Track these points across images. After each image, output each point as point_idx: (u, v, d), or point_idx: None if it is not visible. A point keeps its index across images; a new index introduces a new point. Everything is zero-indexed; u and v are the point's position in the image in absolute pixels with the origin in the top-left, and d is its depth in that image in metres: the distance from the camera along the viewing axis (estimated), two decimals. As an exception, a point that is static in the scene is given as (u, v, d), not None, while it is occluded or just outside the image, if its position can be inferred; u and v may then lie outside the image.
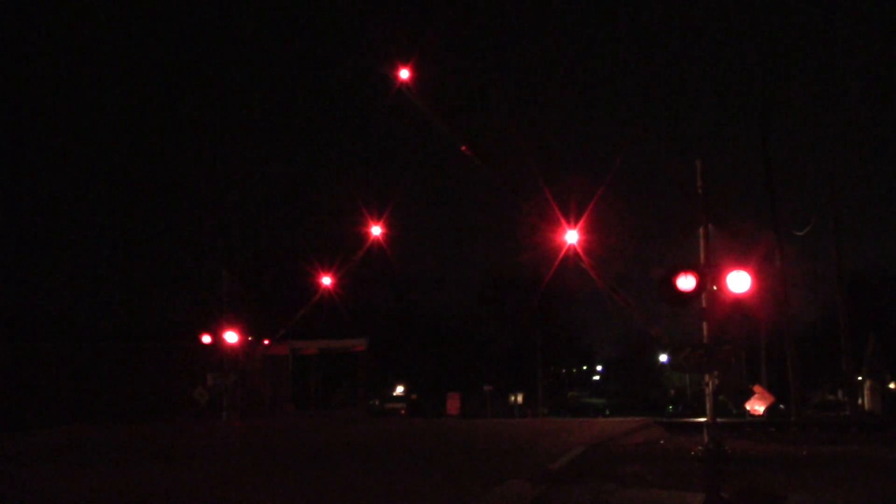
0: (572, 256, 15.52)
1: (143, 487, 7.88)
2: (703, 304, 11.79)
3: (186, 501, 7.03)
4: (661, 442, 15.57)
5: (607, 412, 66.79)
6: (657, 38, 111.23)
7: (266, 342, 30.05)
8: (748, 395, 19.35)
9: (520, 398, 67.70)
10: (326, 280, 28.02)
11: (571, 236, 15.44)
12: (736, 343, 11.72)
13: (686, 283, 11.86)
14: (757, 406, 23.98)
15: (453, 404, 43.20)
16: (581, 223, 15.58)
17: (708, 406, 11.73)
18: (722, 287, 11.60)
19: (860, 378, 31.62)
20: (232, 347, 25.59)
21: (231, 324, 25.67)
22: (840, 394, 43.31)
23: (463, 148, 15.39)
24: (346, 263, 28.09)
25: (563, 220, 15.52)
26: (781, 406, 31.97)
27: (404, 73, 16.15)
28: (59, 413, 26.53)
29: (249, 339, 29.74)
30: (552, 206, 15.56)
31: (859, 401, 30.30)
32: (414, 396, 66.79)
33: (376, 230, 24.09)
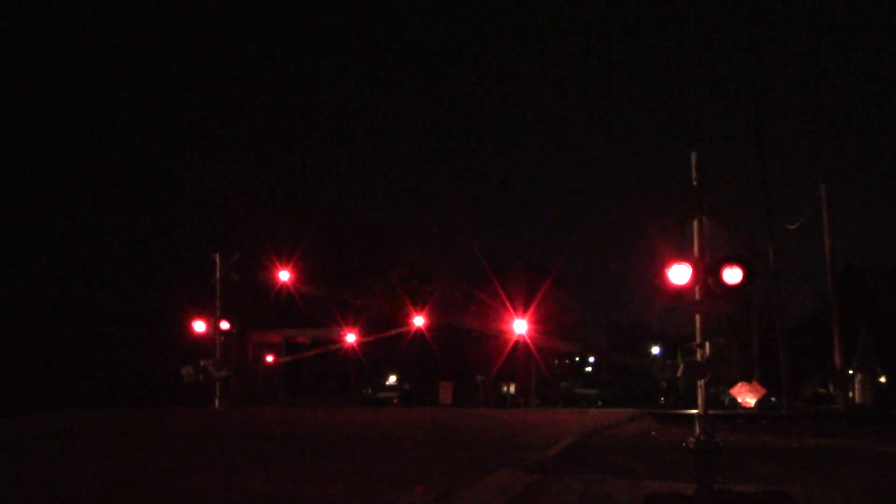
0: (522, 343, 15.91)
1: (137, 472, 7.86)
2: (697, 296, 11.80)
3: (173, 487, 7.02)
4: (653, 433, 15.63)
5: (599, 403, 67.10)
6: (650, 29, 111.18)
7: (272, 357, 29.85)
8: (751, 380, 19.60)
9: (512, 388, 67.78)
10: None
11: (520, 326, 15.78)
12: (729, 336, 11.75)
13: (680, 276, 11.86)
14: (748, 398, 24.12)
15: (446, 394, 43.30)
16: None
17: (700, 398, 11.76)
18: (715, 280, 11.61)
19: (851, 371, 31.79)
20: (224, 336, 25.37)
21: (224, 312, 25.44)
22: (831, 387, 43.57)
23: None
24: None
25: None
26: (773, 399, 32.13)
27: (284, 275, 15.80)
28: (42, 398, 26.36)
29: (241, 327, 29.66)
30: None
31: (850, 394, 30.47)
32: (406, 385, 66.77)
33: (418, 321, 23.64)
